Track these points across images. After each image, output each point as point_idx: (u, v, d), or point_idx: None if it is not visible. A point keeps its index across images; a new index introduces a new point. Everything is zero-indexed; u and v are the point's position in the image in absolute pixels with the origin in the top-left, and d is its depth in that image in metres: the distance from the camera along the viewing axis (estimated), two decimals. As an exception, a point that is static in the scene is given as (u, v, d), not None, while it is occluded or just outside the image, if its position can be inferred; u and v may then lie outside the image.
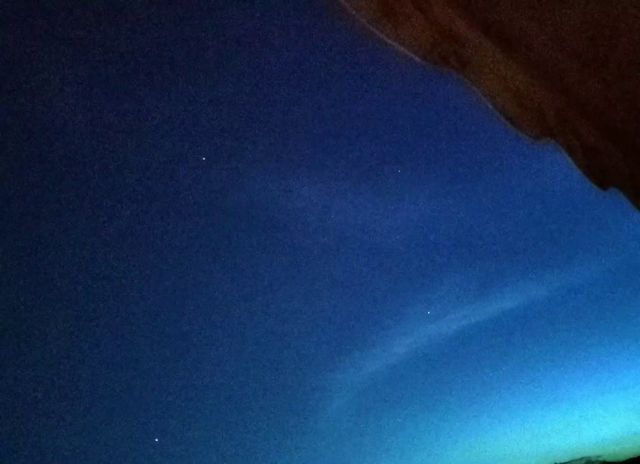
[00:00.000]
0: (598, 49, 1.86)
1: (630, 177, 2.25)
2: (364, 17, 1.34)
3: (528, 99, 1.81)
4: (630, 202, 2.27)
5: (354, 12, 1.31)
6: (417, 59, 1.47)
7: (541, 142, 1.86)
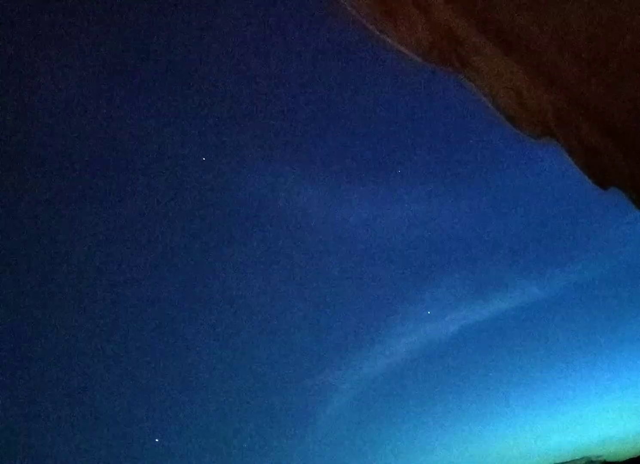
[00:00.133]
0: (599, 48, 1.86)
1: (631, 177, 2.25)
2: (362, 16, 1.33)
3: (528, 99, 1.81)
4: (630, 202, 2.27)
5: (352, 11, 1.31)
6: (417, 59, 1.47)
7: (541, 142, 1.86)
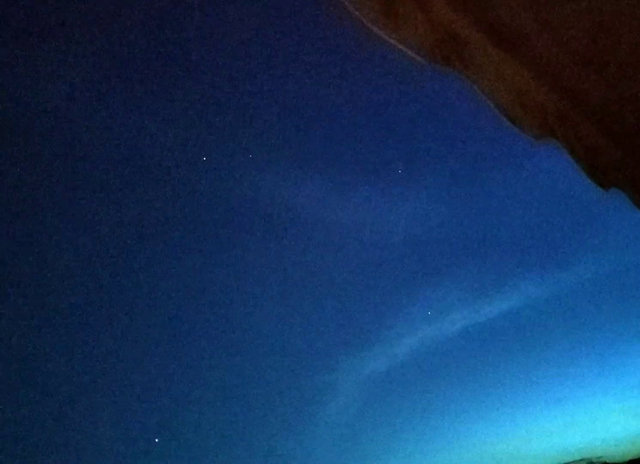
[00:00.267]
0: (600, 48, 1.86)
1: (632, 177, 2.25)
2: (364, 17, 1.34)
3: (529, 99, 1.81)
4: (631, 202, 2.27)
5: (354, 11, 1.31)
6: (419, 59, 1.47)
7: (542, 142, 1.86)
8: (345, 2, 1.29)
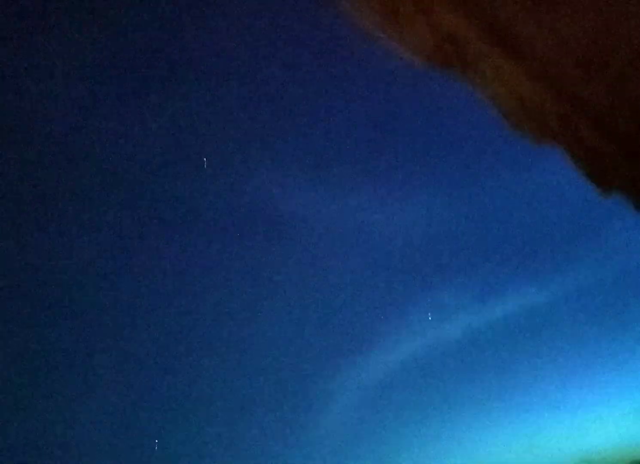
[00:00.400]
0: (600, 53, 1.87)
1: (632, 180, 2.25)
2: (367, 20, 1.34)
3: (531, 102, 1.81)
4: (632, 205, 2.28)
5: (358, 15, 1.32)
6: (420, 62, 1.48)
7: (544, 145, 1.86)
8: (348, 6, 1.29)
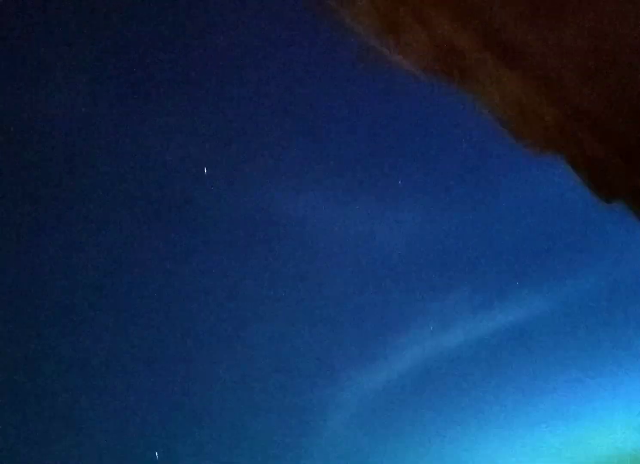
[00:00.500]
0: (600, 60, 1.87)
1: (633, 188, 2.25)
2: (365, 31, 1.35)
3: (530, 111, 1.81)
4: (633, 213, 2.27)
5: (355, 25, 1.32)
6: (419, 72, 1.48)
7: (544, 155, 1.86)
8: (345, 17, 1.30)
